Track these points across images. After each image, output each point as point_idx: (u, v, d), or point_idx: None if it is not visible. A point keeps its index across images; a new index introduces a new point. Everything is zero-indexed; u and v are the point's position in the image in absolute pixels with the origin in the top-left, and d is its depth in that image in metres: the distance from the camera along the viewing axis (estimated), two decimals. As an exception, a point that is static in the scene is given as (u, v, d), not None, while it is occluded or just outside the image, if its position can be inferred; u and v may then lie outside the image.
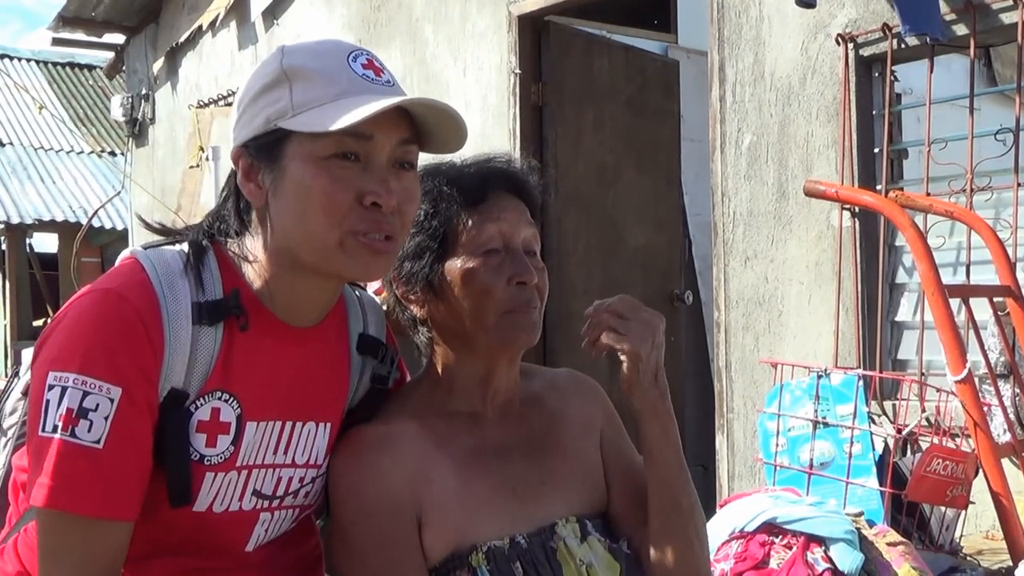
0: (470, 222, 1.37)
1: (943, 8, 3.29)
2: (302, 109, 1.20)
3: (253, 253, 1.27)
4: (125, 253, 1.28)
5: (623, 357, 1.36)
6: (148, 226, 1.34)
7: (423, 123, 1.25)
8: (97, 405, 1.14)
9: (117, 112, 7.50)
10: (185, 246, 1.27)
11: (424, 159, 1.34)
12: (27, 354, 1.28)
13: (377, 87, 1.23)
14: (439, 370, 1.44)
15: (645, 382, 1.36)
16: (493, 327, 1.37)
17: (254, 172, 1.24)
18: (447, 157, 1.39)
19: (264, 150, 1.22)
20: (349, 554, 1.34)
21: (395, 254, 1.29)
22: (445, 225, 1.37)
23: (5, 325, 10.79)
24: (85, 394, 1.13)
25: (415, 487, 1.33)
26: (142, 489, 1.18)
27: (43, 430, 1.14)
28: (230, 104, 6.50)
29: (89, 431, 1.13)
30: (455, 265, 1.37)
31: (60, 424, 1.13)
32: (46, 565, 1.17)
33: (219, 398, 1.24)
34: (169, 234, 1.33)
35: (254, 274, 1.27)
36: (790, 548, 2.26)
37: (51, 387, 1.14)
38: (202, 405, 1.23)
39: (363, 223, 1.21)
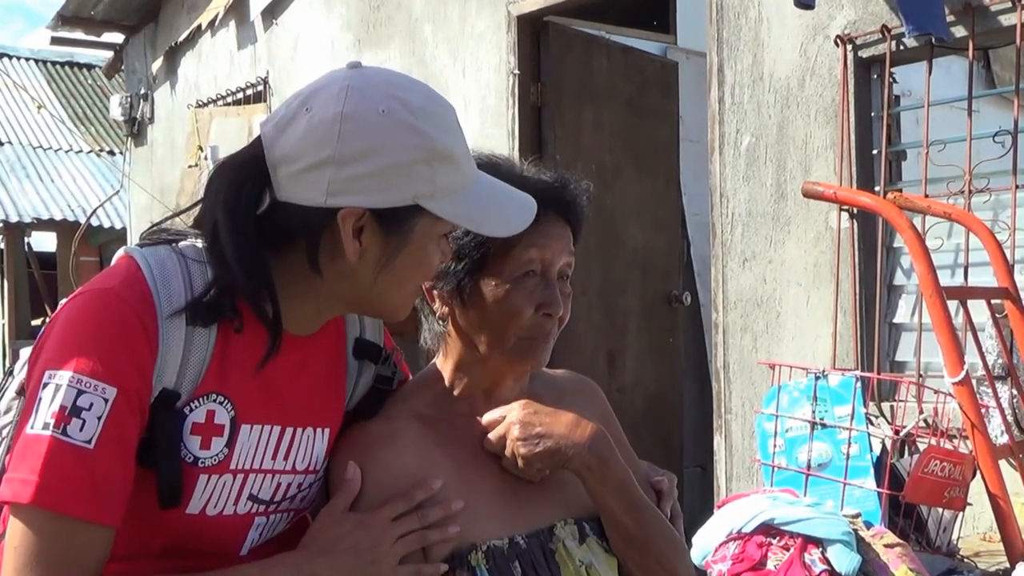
0: (515, 242, 1.36)
1: (941, 10, 3.30)
2: (443, 194, 1.23)
3: (311, 290, 1.26)
4: (120, 252, 1.27)
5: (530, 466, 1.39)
6: (159, 231, 1.30)
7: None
8: (91, 404, 1.12)
9: (116, 111, 7.51)
10: (184, 246, 1.27)
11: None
12: (25, 353, 1.27)
13: (479, 170, 1.31)
14: (446, 368, 1.45)
15: (560, 461, 1.37)
16: (509, 348, 1.39)
17: (358, 231, 1.22)
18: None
19: (391, 219, 1.22)
20: None
21: None
22: (490, 239, 1.36)
23: (3, 324, 10.78)
24: (79, 393, 1.12)
25: (417, 485, 1.33)
26: (127, 494, 1.17)
27: (32, 428, 1.12)
28: (229, 104, 6.51)
29: (81, 430, 1.12)
30: (490, 283, 1.37)
31: (52, 421, 1.11)
32: (19, 567, 1.12)
33: (214, 400, 1.23)
34: (165, 234, 1.31)
35: (284, 294, 1.25)
36: (788, 549, 2.26)
37: (45, 385, 1.13)
38: (197, 407, 1.22)
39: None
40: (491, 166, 1.39)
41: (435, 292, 1.41)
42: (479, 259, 1.37)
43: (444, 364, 1.45)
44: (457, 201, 1.24)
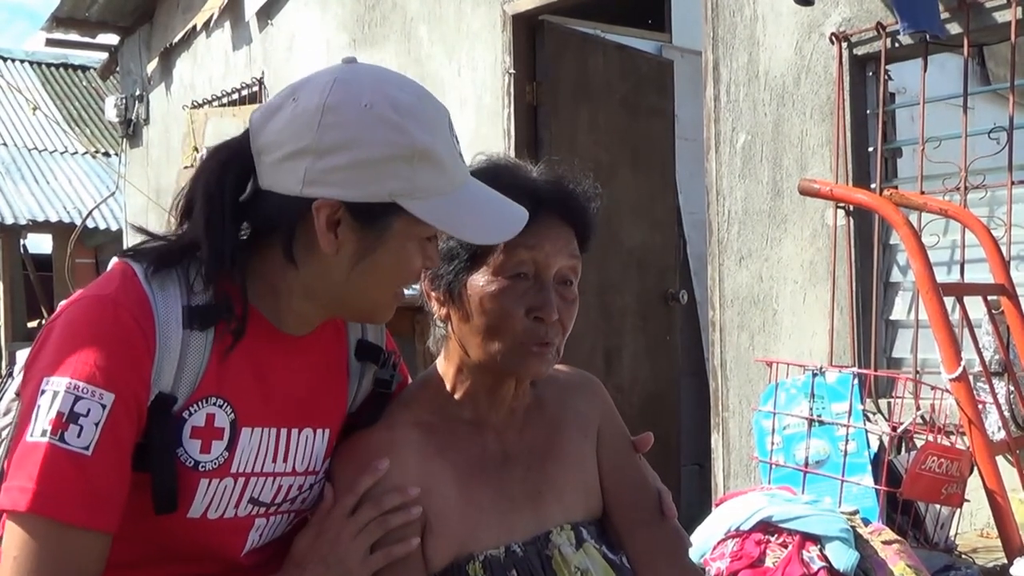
0: (506, 243, 1.31)
1: (936, 7, 3.30)
2: (424, 195, 1.20)
3: (287, 284, 1.26)
4: (116, 258, 1.26)
5: None
6: (140, 230, 1.32)
7: None
8: (88, 411, 1.12)
9: (111, 113, 7.50)
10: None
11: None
12: (21, 355, 1.26)
13: (470, 177, 1.28)
14: (447, 372, 1.42)
15: None
16: (503, 354, 1.34)
17: (334, 224, 1.21)
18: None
19: (367, 215, 1.20)
20: None
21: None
22: None
23: (0, 326, 10.77)
24: (77, 399, 1.12)
25: (419, 496, 1.32)
26: (123, 499, 1.16)
27: (31, 435, 1.11)
28: (224, 104, 6.50)
29: (79, 436, 1.11)
30: (478, 282, 1.33)
31: (49, 428, 1.11)
32: (17, 575, 1.11)
33: (213, 404, 1.23)
34: (158, 239, 1.31)
35: (268, 291, 1.26)
36: (786, 546, 2.26)
37: (43, 392, 1.13)
38: (196, 411, 1.22)
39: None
40: (491, 170, 1.36)
41: (432, 294, 1.40)
42: (468, 260, 1.34)
43: (446, 367, 1.42)
44: (438, 203, 1.21)
